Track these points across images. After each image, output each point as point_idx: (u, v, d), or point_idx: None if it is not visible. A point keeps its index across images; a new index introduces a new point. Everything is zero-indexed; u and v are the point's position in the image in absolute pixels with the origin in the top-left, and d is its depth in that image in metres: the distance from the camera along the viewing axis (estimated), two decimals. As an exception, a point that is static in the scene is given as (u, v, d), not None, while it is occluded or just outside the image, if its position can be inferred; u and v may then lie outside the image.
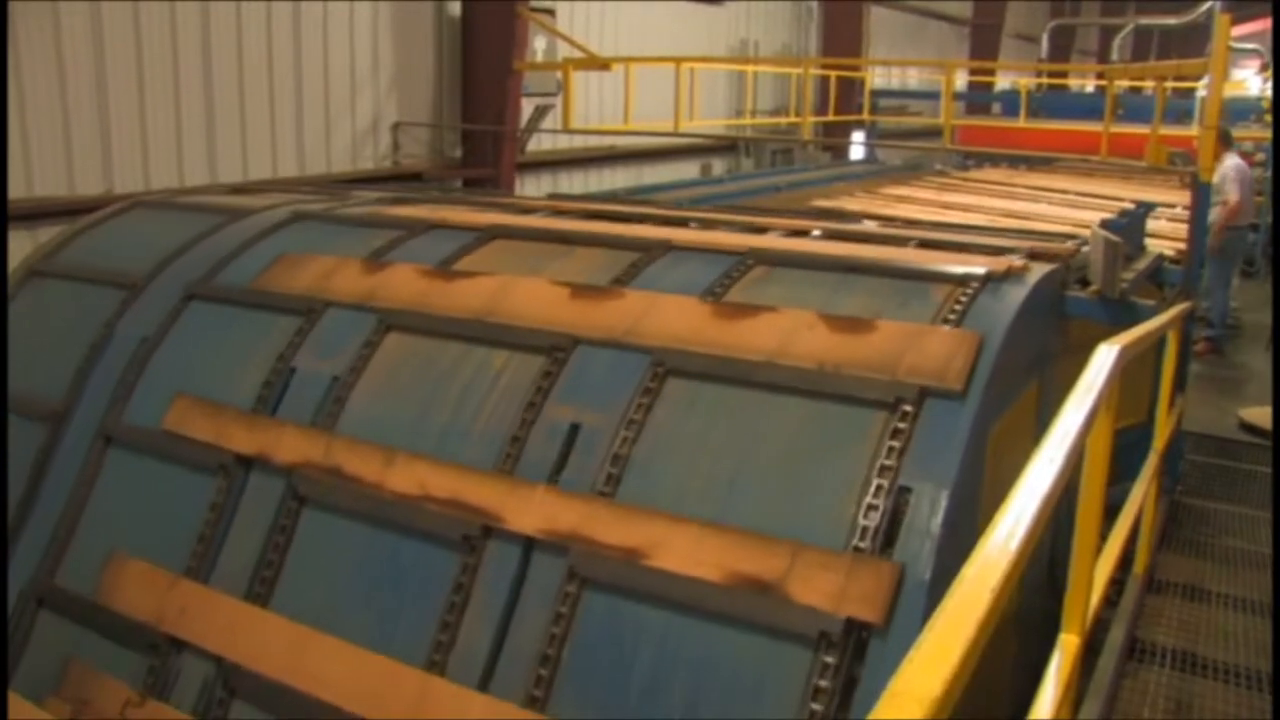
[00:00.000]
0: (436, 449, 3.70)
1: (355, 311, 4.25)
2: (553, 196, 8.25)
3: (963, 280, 3.57)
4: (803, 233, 4.67)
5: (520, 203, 6.11)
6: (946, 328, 3.37)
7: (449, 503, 3.52)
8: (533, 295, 4.06)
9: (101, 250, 5.14)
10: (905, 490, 2.96)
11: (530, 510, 3.37)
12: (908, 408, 3.10)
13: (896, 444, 3.05)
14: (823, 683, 2.77)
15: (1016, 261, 3.75)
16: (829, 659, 2.79)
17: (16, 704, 3.81)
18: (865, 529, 2.94)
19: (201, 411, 4.19)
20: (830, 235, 4.63)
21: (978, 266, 3.66)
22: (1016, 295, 3.46)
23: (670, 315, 3.74)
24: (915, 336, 3.32)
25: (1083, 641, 2.70)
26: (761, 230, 4.73)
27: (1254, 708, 3.90)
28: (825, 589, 2.86)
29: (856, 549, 2.92)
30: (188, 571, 3.86)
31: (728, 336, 3.58)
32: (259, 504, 3.90)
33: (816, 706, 2.76)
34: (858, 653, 2.79)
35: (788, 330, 3.51)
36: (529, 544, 3.34)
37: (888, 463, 3.02)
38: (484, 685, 3.22)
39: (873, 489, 2.99)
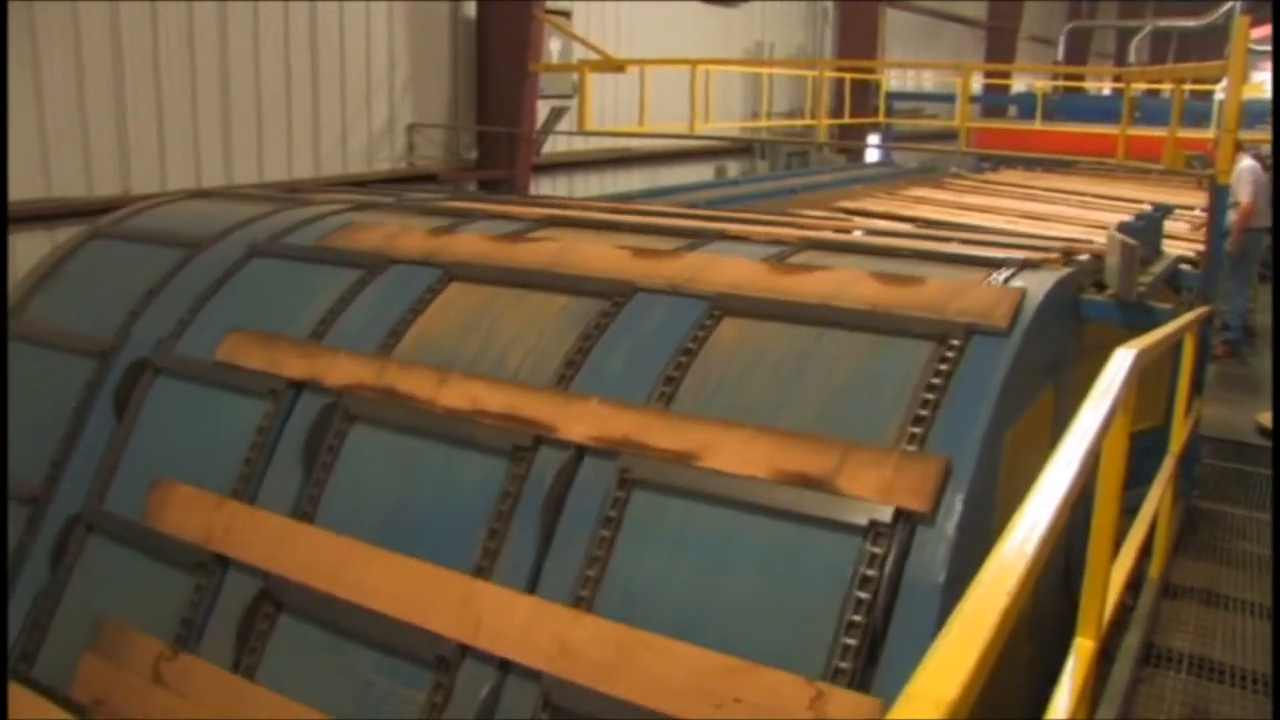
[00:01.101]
0: (490, 374, 3.79)
1: (419, 266, 4.39)
2: (524, 199, 8.29)
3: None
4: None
5: (553, 202, 6.23)
6: (990, 285, 3.57)
7: (502, 416, 3.60)
8: (595, 254, 4.24)
9: (163, 221, 5.21)
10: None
11: (583, 419, 3.45)
12: (955, 342, 3.25)
13: (939, 380, 3.17)
14: (870, 572, 2.84)
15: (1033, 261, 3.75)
16: (876, 549, 2.86)
17: (22, 700, 3.82)
18: (914, 435, 3.06)
19: (255, 342, 4.28)
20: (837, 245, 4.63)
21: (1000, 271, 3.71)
22: (1033, 298, 3.46)
23: (727, 270, 3.92)
24: (961, 288, 3.54)
25: (1098, 646, 2.69)
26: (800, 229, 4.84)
27: (1271, 713, 3.88)
28: (874, 482, 2.95)
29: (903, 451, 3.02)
30: (233, 494, 3.92)
31: (783, 286, 3.74)
32: (307, 425, 3.96)
33: (863, 595, 2.82)
34: (905, 544, 2.86)
35: (840, 282, 3.70)
36: (580, 452, 3.40)
37: (923, 413, 3.12)
38: (530, 589, 3.26)
39: (914, 418, 3.10)
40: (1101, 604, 2.73)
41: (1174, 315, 4.25)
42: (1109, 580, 2.81)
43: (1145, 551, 4.38)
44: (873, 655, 2.80)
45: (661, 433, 3.32)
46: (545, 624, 3.15)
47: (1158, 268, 5.03)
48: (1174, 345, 4.42)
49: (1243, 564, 5.23)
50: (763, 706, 2.77)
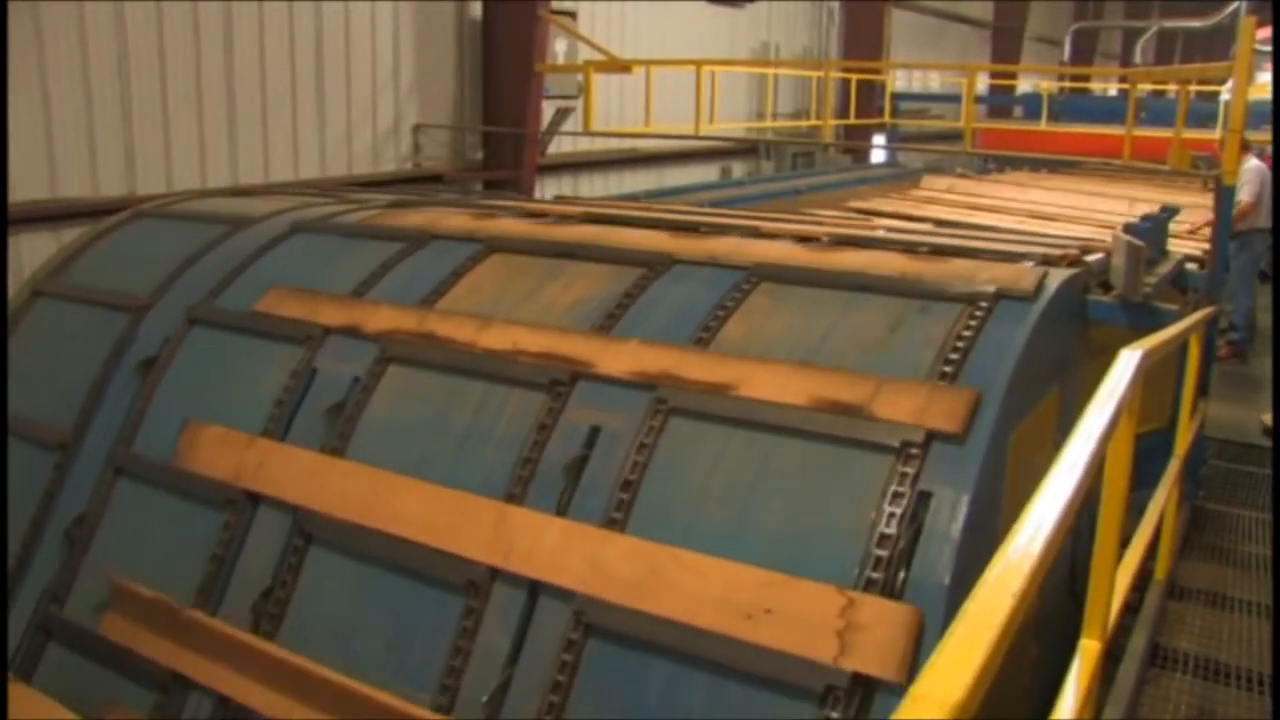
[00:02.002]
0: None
1: (461, 241, 4.52)
2: (558, 199, 8.40)
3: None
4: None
5: (579, 201, 6.39)
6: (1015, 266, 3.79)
7: (541, 355, 3.69)
8: (633, 234, 4.43)
9: (210, 205, 5.30)
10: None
11: (622, 357, 3.55)
12: (984, 304, 3.40)
13: (969, 334, 3.29)
14: (900, 489, 2.91)
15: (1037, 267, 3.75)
16: (908, 469, 2.94)
17: (23, 700, 3.83)
18: (944, 374, 3.19)
19: (294, 296, 4.38)
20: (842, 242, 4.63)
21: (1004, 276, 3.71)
22: (1019, 335, 3.43)
23: (764, 248, 4.15)
24: (987, 266, 3.76)
25: (1104, 647, 2.69)
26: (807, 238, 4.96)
27: (1273, 714, 3.88)
28: (908, 407, 3.05)
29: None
30: (264, 434, 3.97)
31: (819, 259, 3.94)
32: (340, 366, 4.02)
33: (894, 510, 2.90)
34: (936, 463, 2.94)
35: (873, 258, 3.92)
36: (617, 387, 3.47)
37: (954, 355, 3.22)
38: (562, 512, 3.31)
39: (944, 364, 3.22)
40: (1107, 605, 2.73)
41: (1180, 316, 4.24)
42: (1114, 581, 2.81)
43: (1151, 553, 4.37)
44: (903, 566, 2.86)
45: (698, 367, 3.43)
46: (577, 545, 3.19)
47: (1163, 269, 5.02)
48: (1179, 346, 4.41)
49: (1248, 565, 5.22)
50: (794, 616, 2.82)
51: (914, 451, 2.97)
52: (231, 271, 4.67)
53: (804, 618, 2.81)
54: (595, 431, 3.40)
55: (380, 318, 4.10)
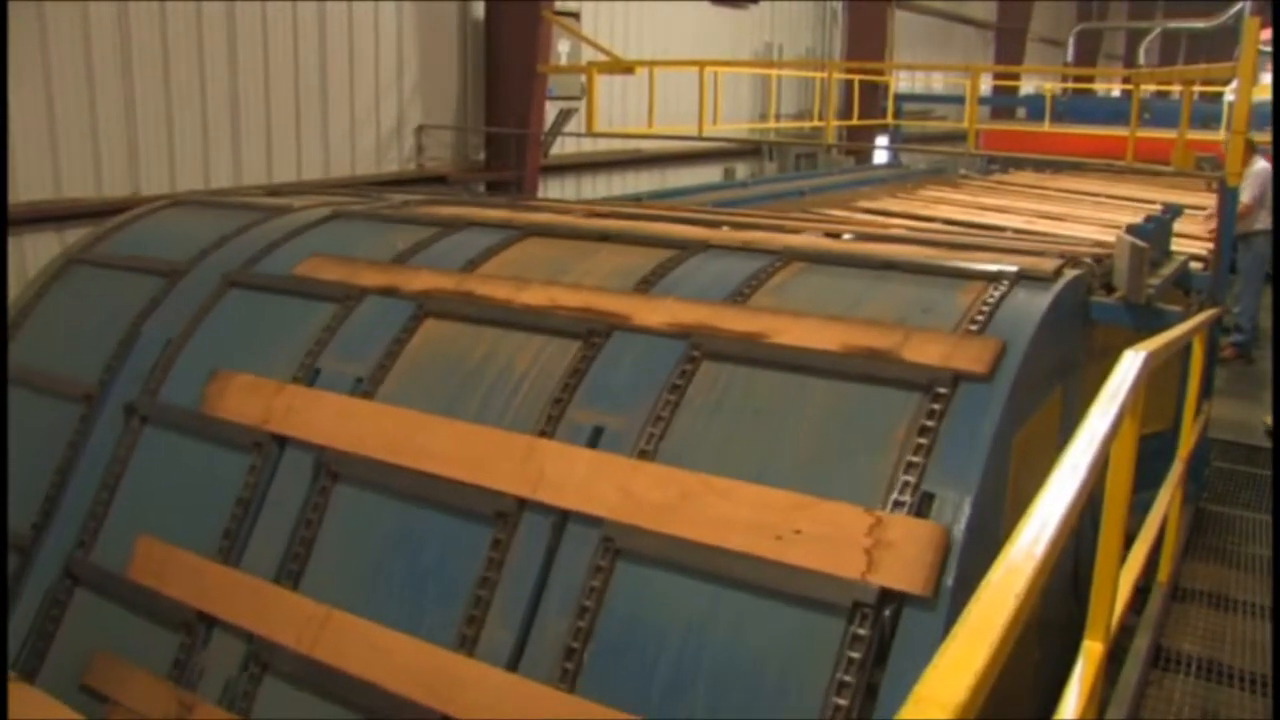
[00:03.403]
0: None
1: (496, 228, 4.67)
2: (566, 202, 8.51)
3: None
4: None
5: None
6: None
7: (579, 309, 3.79)
8: (665, 226, 4.64)
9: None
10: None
11: (658, 311, 3.67)
12: (1006, 281, 3.56)
13: (993, 301, 3.44)
14: (929, 423, 3.03)
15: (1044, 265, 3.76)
16: (935, 405, 3.05)
17: (24, 700, 3.84)
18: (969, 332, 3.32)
19: (334, 262, 4.47)
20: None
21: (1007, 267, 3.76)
22: (1041, 301, 3.46)
23: (792, 238, 4.37)
24: (1008, 255, 4.00)
25: (1107, 649, 2.69)
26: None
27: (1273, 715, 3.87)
28: (936, 352, 3.17)
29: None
30: (293, 381, 4.03)
31: (845, 247, 4.20)
32: (378, 322, 4.08)
33: (922, 440, 3.00)
34: (961, 401, 3.06)
35: (898, 248, 4.15)
36: (653, 338, 3.57)
37: (979, 318, 3.37)
38: (592, 445, 3.38)
39: (969, 321, 3.38)
40: (1110, 607, 2.73)
41: (1183, 317, 4.24)
42: (1117, 583, 2.81)
43: (1154, 554, 4.37)
44: (927, 494, 2.92)
45: (733, 320, 3.55)
46: (607, 474, 3.24)
47: (1167, 269, 5.02)
48: (1183, 347, 4.41)
49: (1251, 567, 5.21)
50: (823, 536, 2.87)
51: (941, 390, 3.07)
52: (269, 245, 4.75)
53: (832, 537, 2.86)
54: (629, 382, 3.47)
55: (419, 280, 4.20)
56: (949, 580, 2.77)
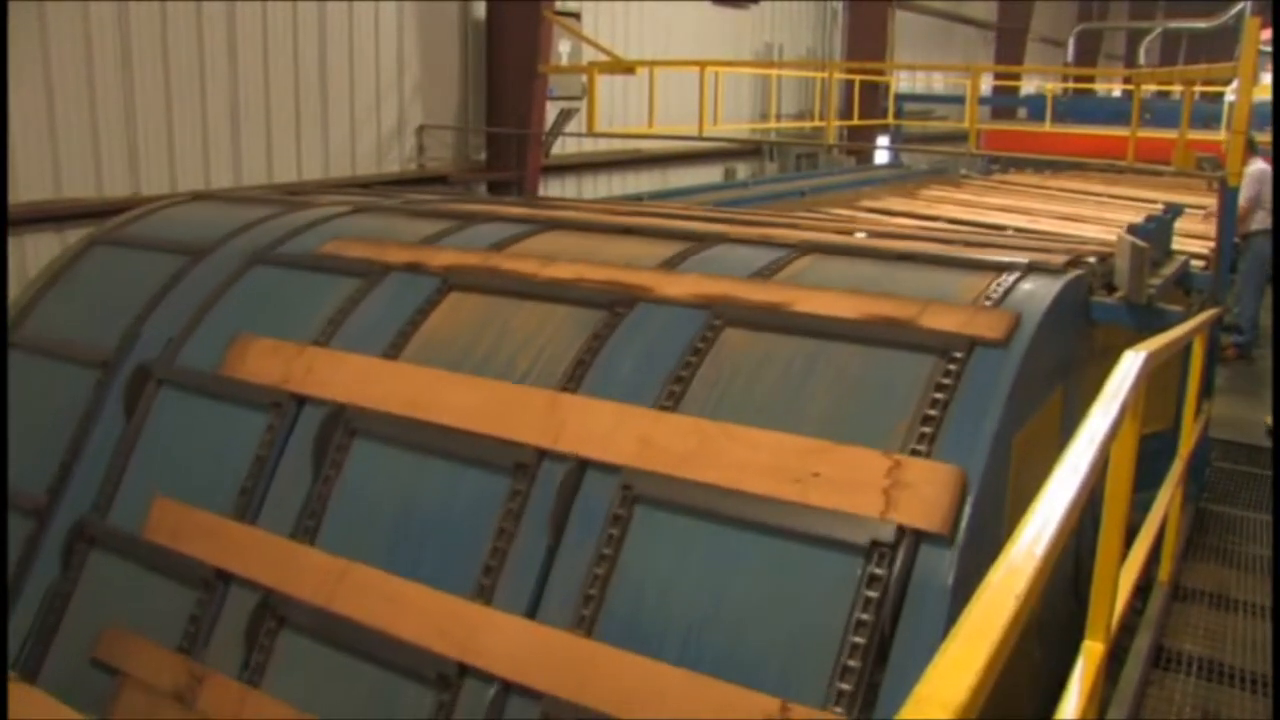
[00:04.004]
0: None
1: (514, 223, 4.75)
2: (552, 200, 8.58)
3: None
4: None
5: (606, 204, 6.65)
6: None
7: (603, 282, 3.87)
8: (682, 221, 4.75)
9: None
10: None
11: (682, 284, 3.75)
12: (1018, 270, 3.64)
13: (1006, 285, 3.52)
14: (945, 380, 3.11)
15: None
16: (951, 366, 3.13)
17: (24, 700, 3.84)
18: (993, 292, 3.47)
19: (359, 242, 4.56)
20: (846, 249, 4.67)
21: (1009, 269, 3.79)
22: (1052, 286, 3.47)
23: (807, 234, 4.46)
24: (1016, 251, 4.13)
25: (1107, 649, 2.69)
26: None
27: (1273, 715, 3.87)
28: (952, 321, 3.27)
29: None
30: (315, 343, 4.09)
31: (863, 242, 4.32)
32: (402, 293, 4.14)
33: (939, 395, 3.08)
34: (976, 366, 3.14)
35: (910, 245, 4.24)
36: (676, 308, 3.65)
37: (991, 299, 3.44)
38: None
39: (982, 302, 3.45)
40: (1110, 606, 2.72)
41: (1184, 317, 4.24)
42: (1118, 583, 2.81)
43: (1154, 554, 4.37)
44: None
45: (755, 292, 3.64)
46: (628, 424, 3.29)
47: (1168, 269, 5.02)
48: (1184, 347, 4.40)
49: (1252, 567, 5.21)
50: (842, 478, 2.92)
51: (958, 354, 3.15)
52: (294, 230, 4.81)
53: (852, 479, 2.92)
54: (652, 346, 3.53)
55: (444, 257, 4.26)
56: (965, 522, 2.80)
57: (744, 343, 3.43)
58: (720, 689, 2.80)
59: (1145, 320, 4.08)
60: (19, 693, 3.84)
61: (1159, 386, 4.68)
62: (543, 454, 3.35)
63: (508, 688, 3.10)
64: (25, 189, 7.82)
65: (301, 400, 3.90)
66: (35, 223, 7.86)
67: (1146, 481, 3.78)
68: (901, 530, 2.80)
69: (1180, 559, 5.11)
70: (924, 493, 2.82)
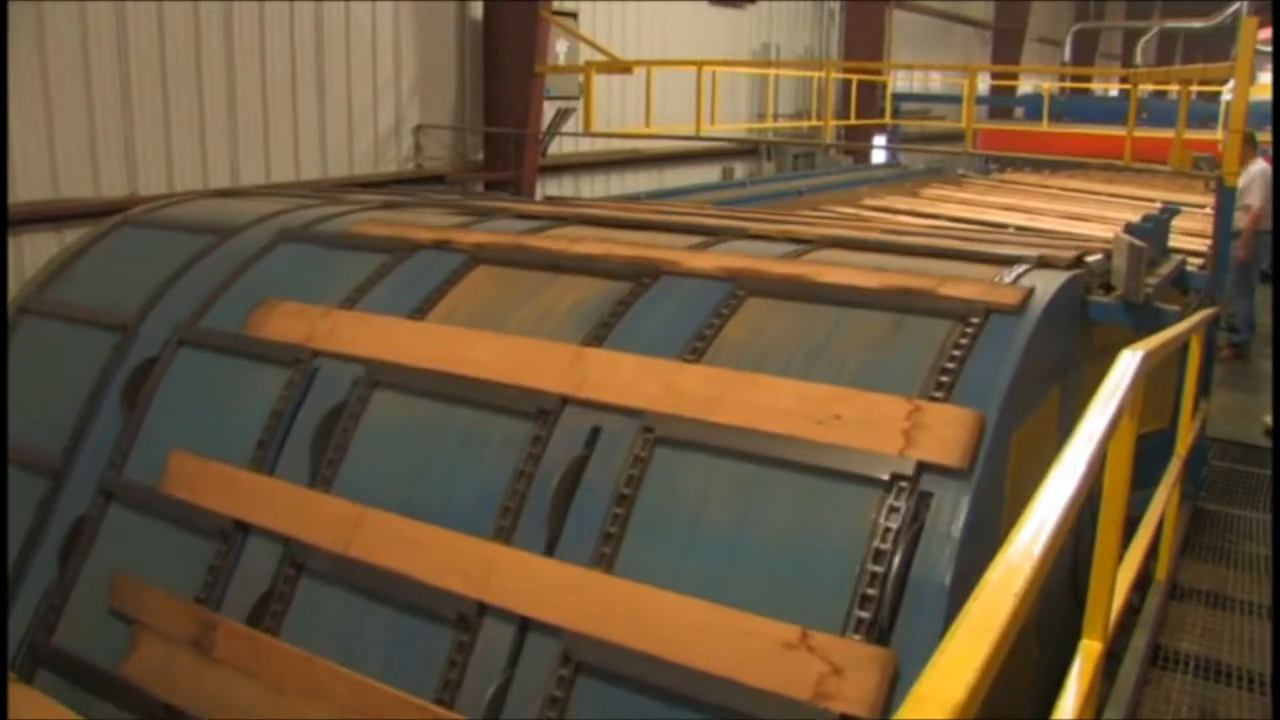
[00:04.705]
0: None
1: (535, 220, 4.82)
2: (550, 200, 8.60)
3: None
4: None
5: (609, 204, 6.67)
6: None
7: (631, 258, 3.96)
8: (704, 219, 4.88)
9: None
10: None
11: (707, 259, 3.87)
12: (1027, 264, 3.77)
13: (1016, 276, 3.64)
14: (963, 340, 3.22)
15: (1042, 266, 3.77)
16: (968, 329, 3.24)
17: (24, 699, 3.84)
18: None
19: (388, 223, 4.66)
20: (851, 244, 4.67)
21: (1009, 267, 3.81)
22: (1039, 300, 3.47)
23: (821, 230, 4.49)
24: (1024, 247, 4.23)
25: (1105, 648, 2.69)
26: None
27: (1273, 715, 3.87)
28: (969, 293, 3.38)
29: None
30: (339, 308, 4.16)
31: (873, 236, 4.42)
32: (429, 267, 4.20)
33: (955, 352, 3.18)
34: (992, 333, 3.24)
35: (921, 240, 4.38)
36: (700, 280, 3.75)
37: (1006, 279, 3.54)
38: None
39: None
40: (1108, 606, 2.73)
41: (1181, 316, 4.24)
42: (1115, 582, 2.81)
43: (1152, 553, 4.37)
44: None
45: (778, 266, 3.75)
46: (651, 374, 3.37)
47: (1165, 269, 5.02)
48: (1181, 346, 4.41)
49: (1249, 566, 5.22)
50: (863, 420, 3.01)
51: (975, 320, 3.24)
52: (324, 217, 4.85)
53: (873, 421, 3.00)
54: (675, 309, 3.61)
55: (472, 237, 4.34)
56: (982, 458, 2.87)
57: (766, 311, 3.54)
58: (741, 619, 2.83)
59: (1142, 319, 4.08)
60: (18, 693, 3.84)
61: (1157, 386, 4.68)
62: (565, 401, 3.41)
63: (527, 625, 3.13)
64: (24, 189, 7.82)
65: (322, 357, 3.95)
66: (34, 223, 7.86)
67: (1144, 480, 3.79)
68: (921, 466, 2.88)
69: (1177, 558, 5.11)
70: (942, 434, 2.91)
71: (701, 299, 3.64)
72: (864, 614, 2.76)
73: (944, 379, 3.10)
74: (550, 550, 3.19)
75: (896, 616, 2.78)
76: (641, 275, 3.81)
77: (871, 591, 2.78)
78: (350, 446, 3.71)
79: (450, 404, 3.63)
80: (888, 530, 2.83)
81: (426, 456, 3.58)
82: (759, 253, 3.98)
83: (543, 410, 3.41)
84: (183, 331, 4.34)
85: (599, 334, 3.60)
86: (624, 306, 3.70)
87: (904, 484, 2.86)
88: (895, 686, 2.68)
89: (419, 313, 3.97)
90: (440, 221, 4.73)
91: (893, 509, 2.85)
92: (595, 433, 3.31)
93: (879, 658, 2.67)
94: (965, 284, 3.42)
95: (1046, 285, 3.46)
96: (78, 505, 4.15)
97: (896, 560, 2.79)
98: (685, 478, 3.14)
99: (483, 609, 3.19)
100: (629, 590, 3.01)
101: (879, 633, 2.74)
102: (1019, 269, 3.69)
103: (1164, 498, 4.33)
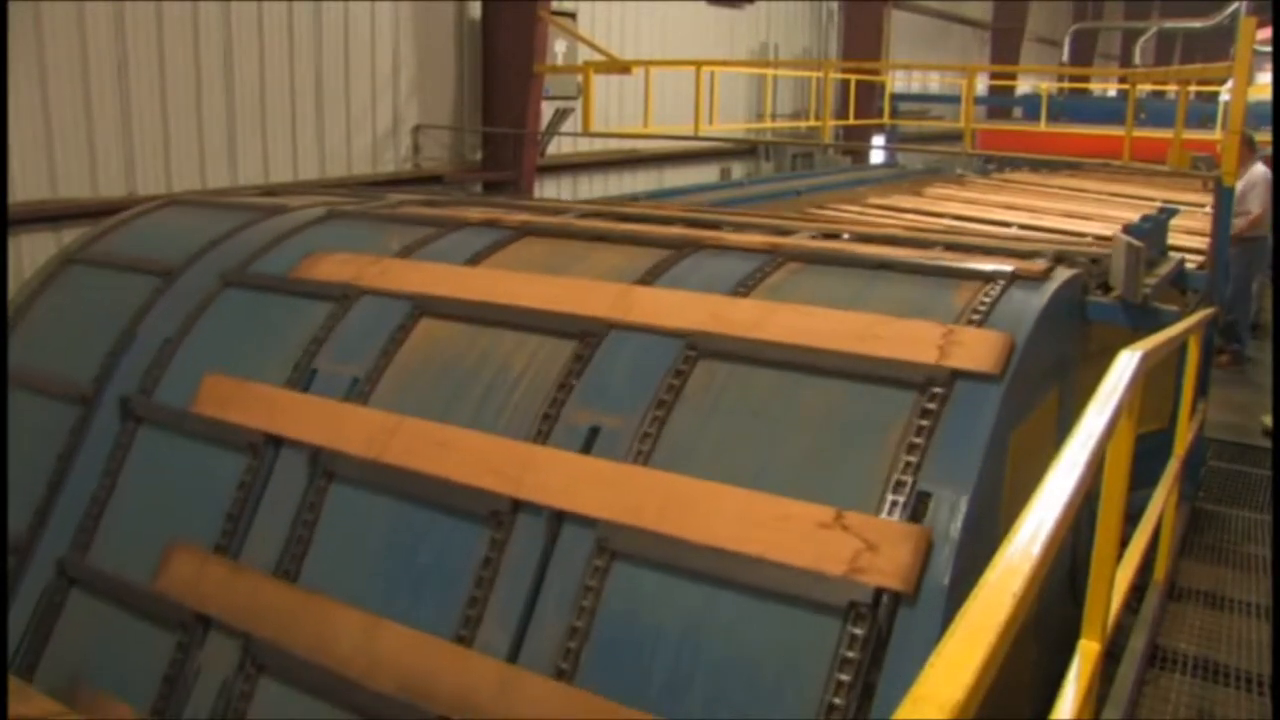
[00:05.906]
0: None
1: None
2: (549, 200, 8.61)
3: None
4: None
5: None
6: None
7: (669, 236, 4.25)
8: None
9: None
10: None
11: (744, 236, 4.17)
12: (1041, 259, 3.88)
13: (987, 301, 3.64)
14: (986, 297, 3.42)
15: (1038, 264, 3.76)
16: (994, 288, 3.46)
17: (23, 699, 3.83)
18: None
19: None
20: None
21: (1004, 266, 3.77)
22: (1038, 300, 3.46)
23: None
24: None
25: (1103, 648, 2.69)
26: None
27: (1272, 715, 3.88)
28: (984, 261, 3.69)
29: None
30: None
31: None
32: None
33: (979, 306, 3.37)
34: (1017, 291, 3.47)
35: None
36: (738, 253, 3.99)
37: (975, 316, 3.52)
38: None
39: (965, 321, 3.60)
40: (1106, 606, 2.73)
41: (1180, 317, 4.24)
42: (1114, 582, 2.82)
43: (1150, 554, 4.37)
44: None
45: (812, 241, 4.09)
46: (696, 304, 3.59)
47: (1163, 269, 5.02)
48: (1179, 346, 4.41)
49: (1247, 566, 5.22)
50: (899, 338, 3.22)
51: (1000, 282, 3.47)
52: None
53: (908, 338, 3.21)
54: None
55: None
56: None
57: (797, 275, 3.80)
58: (777, 503, 2.93)
59: (1141, 320, 4.08)
60: (18, 692, 3.84)
61: (1155, 386, 4.68)
62: (611, 325, 3.58)
63: (561, 518, 3.19)
64: (22, 189, 7.82)
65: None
66: (32, 222, 7.86)
67: (1142, 481, 3.79)
68: (955, 373, 3.08)
69: (1176, 558, 5.12)
70: (975, 348, 3.13)
71: (743, 263, 3.86)
72: (896, 497, 2.90)
73: (975, 316, 3.33)
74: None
75: (929, 502, 2.92)
76: (683, 244, 4.09)
77: (904, 478, 2.91)
78: (386, 370, 3.83)
79: (495, 328, 3.77)
80: (921, 427, 2.99)
81: (466, 380, 3.68)
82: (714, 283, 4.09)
83: (587, 332, 3.56)
84: (228, 275, 4.48)
85: (644, 281, 3.80)
86: (659, 270, 3.89)
87: (939, 386, 3.05)
88: (929, 562, 2.79)
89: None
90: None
91: (926, 410, 3.02)
92: (640, 352, 3.46)
93: (913, 534, 2.78)
94: (993, 259, 3.75)
95: (1024, 314, 3.48)
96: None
97: (930, 450, 2.96)
98: (721, 393, 3.28)
99: (517, 506, 3.25)
100: (664, 481, 3.10)
101: (910, 516, 2.88)
102: (995, 288, 3.66)
103: (1162, 498, 4.33)
